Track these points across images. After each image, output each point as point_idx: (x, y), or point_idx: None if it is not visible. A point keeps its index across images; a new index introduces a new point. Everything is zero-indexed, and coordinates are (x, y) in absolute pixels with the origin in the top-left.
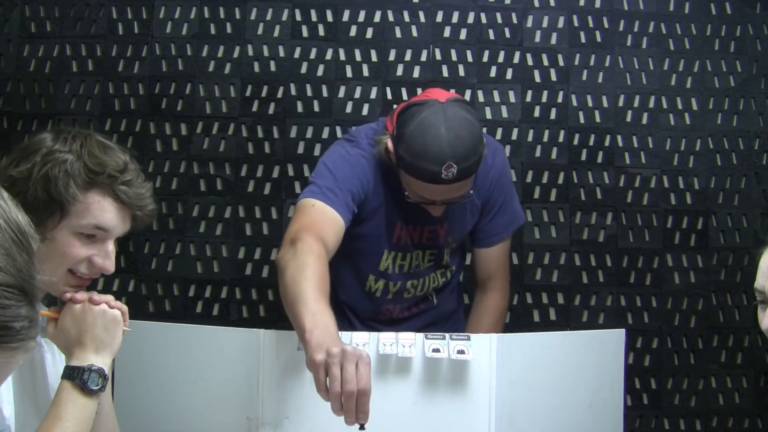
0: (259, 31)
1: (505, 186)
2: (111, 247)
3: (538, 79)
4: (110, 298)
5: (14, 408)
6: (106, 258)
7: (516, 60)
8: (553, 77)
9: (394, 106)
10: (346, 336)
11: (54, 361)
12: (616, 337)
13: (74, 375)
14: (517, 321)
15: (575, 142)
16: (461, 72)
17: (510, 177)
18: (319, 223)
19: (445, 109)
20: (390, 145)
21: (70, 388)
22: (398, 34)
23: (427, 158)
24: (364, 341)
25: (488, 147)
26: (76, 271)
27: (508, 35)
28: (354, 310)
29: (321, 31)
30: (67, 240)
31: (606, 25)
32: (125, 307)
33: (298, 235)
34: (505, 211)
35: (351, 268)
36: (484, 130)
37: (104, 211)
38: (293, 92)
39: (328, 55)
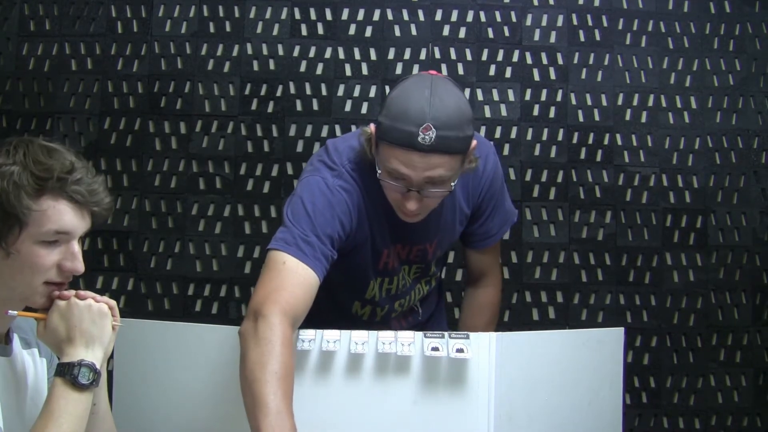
0: (258, 30)
1: (496, 190)
2: (76, 247)
3: (537, 77)
4: (96, 294)
5: (2, 423)
6: (74, 260)
7: (515, 59)
8: (552, 76)
9: None
10: (345, 334)
11: (36, 373)
12: (615, 335)
13: (65, 371)
14: (516, 319)
15: (574, 140)
16: (460, 70)
17: (502, 177)
18: (287, 288)
19: (434, 79)
20: (373, 128)
21: (61, 384)
22: (397, 33)
23: (405, 119)
24: (363, 340)
25: (480, 150)
26: (50, 281)
27: (507, 34)
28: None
29: (320, 30)
30: (31, 250)
31: (605, 24)
32: (113, 302)
33: (262, 308)
34: (497, 213)
35: (332, 298)
36: (483, 129)
37: (62, 215)
38: (292, 91)
39: (327, 54)
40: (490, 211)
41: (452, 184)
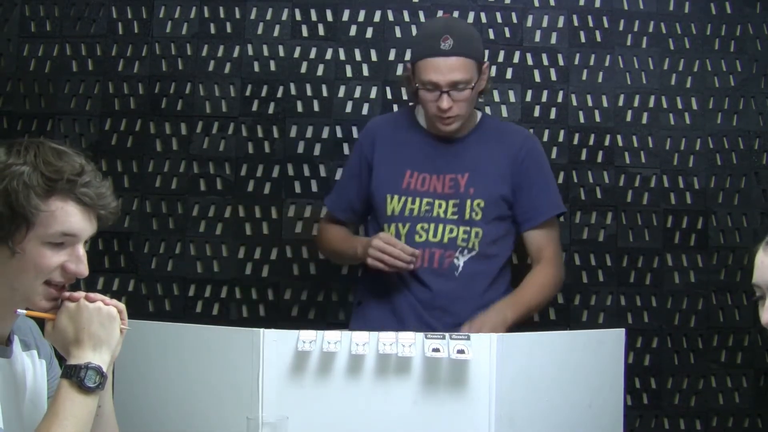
0: (259, 31)
1: (541, 168)
2: (81, 250)
3: (538, 78)
4: (105, 297)
5: (2, 424)
6: (79, 262)
7: (516, 59)
8: (553, 77)
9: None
10: (346, 335)
11: (35, 375)
12: (616, 336)
13: (71, 373)
14: None
15: (575, 141)
16: None
17: (548, 168)
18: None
19: (448, 17)
20: (409, 66)
21: (67, 386)
22: (398, 34)
23: (428, 36)
24: (364, 341)
25: (521, 133)
26: (52, 281)
27: (508, 35)
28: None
29: (321, 31)
30: (37, 251)
31: (606, 25)
32: (122, 305)
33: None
34: (547, 192)
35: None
36: None
37: (69, 217)
38: (293, 92)
39: (328, 55)
40: (538, 186)
41: (472, 86)
